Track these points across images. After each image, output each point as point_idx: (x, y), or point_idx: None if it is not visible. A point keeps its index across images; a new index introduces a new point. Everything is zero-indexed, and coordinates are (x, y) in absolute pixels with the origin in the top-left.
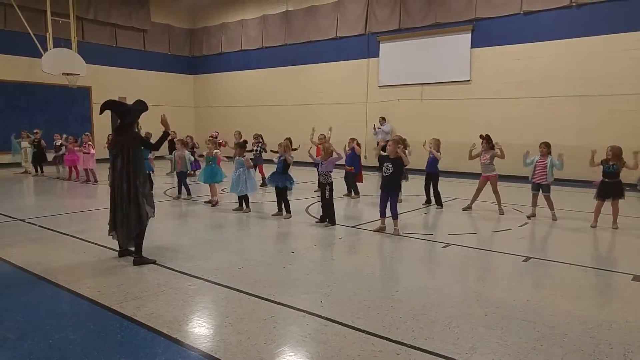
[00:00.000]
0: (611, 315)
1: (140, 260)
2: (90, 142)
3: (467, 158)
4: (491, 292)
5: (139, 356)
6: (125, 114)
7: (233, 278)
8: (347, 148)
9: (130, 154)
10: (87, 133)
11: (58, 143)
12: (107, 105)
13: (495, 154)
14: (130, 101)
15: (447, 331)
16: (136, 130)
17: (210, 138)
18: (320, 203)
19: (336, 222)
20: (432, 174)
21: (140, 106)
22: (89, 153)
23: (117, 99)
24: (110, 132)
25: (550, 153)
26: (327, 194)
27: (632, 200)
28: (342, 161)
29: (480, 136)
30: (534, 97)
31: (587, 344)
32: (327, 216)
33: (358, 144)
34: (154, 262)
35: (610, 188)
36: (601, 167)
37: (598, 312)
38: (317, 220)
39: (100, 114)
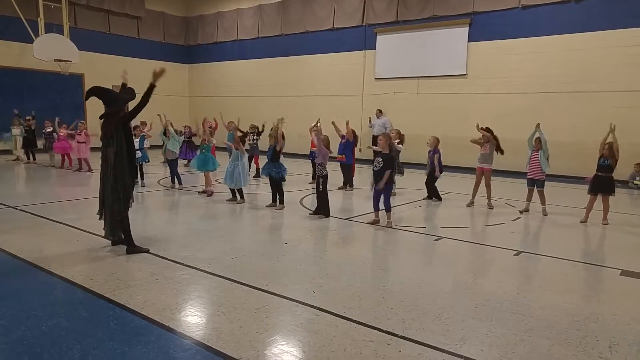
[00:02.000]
0: (598, 309)
1: (133, 250)
2: (85, 130)
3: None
4: (482, 285)
5: (131, 343)
6: (110, 102)
7: (226, 268)
8: (340, 133)
9: (116, 144)
10: (82, 121)
11: (49, 130)
12: (93, 91)
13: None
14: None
15: (438, 322)
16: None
17: (206, 127)
18: (314, 195)
19: (330, 215)
20: (434, 170)
21: (128, 94)
22: (84, 142)
23: (110, 87)
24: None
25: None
26: (321, 187)
27: (623, 196)
28: (335, 152)
29: (481, 129)
30: (530, 93)
31: (573, 336)
32: (322, 208)
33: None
34: (147, 251)
35: (602, 182)
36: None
37: (585, 306)
38: (311, 212)
39: (85, 100)
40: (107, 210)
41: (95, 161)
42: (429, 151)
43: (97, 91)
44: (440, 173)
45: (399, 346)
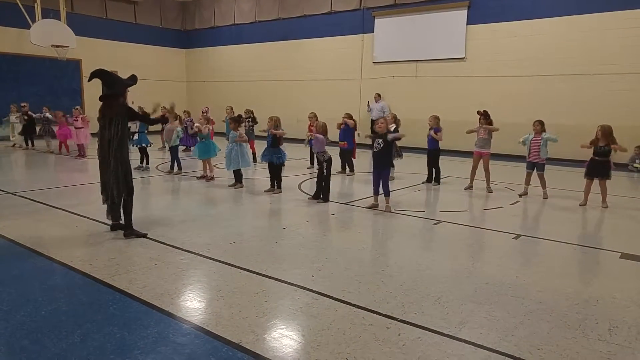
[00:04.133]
0: (598, 292)
1: (130, 233)
2: (81, 116)
3: (465, 132)
4: (481, 269)
5: (131, 328)
6: (111, 84)
7: (225, 252)
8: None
9: (117, 127)
10: (76, 107)
11: (45, 116)
12: (96, 73)
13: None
14: (123, 72)
15: (437, 306)
16: (124, 102)
17: (202, 115)
18: (312, 179)
19: (329, 199)
20: (434, 150)
21: (129, 80)
22: (82, 127)
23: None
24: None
25: (545, 130)
26: (325, 171)
27: (623, 179)
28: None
29: (478, 112)
30: (529, 75)
31: (573, 319)
32: (322, 192)
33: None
34: (145, 236)
35: (598, 166)
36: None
37: (585, 289)
38: (310, 196)
39: (88, 80)
40: (108, 194)
41: (92, 147)
42: (431, 129)
43: (100, 73)
44: (437, 182)
45: (398, 330)
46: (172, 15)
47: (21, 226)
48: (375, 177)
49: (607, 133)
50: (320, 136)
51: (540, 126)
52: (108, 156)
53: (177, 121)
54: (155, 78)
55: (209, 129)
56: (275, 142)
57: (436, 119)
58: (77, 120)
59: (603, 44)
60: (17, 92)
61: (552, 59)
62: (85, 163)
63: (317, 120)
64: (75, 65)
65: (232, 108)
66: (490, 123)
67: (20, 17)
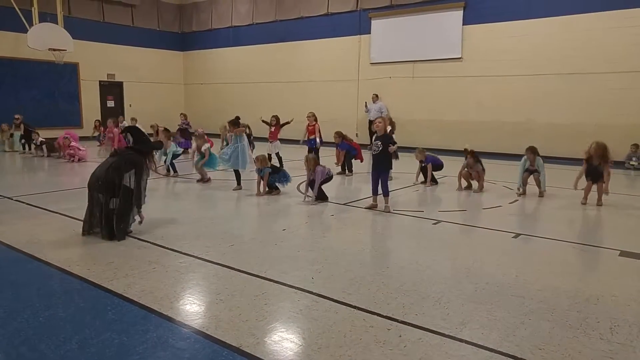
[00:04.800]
0: (598, 290)
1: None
2: (72, 145)
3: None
4: (481, 268)
5: (130, 333)
6: (140, 142)
7: (224, 255)
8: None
9: (141, 177)
10: (66, 137)
11: (38, 142)
12: (131, 128)
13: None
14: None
15: (438, 306)
16: (145, 166)
17: (197, 133)
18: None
19: (328, 200)
20: (437, 165)
21: (156, 145)
22: (83, 150)
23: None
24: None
25: (539, 154)
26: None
27: (620, 177)
28: None
29: (465, 150)
30: (526, 75)
31: (574, 318)
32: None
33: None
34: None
35: (596, 172)
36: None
37: (585, 287)
38: (313, 200)
39: (121, 132)
40: (110, 218)
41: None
42: (421, 162)
43: (133, 129)
44: (434, 182)
45: (399, 331)
46: (169, 17)
47: (18, 231)
48: (374, 178)
49: (600, 154)
50: (319, 169)
51: (532, 155)
52: (114, 194)
53: (170, 141)
54: (153, 81)
55: (207, 148)
56: (274, 168)
57: (422, 152)
58: (71, 150)
59: (599, 43)
60: (15, 97)
61: (548, 58)
62: (83, 166)
63: (315, 120)
64: (73, 69)
65: (225, 127)
66: (478, 160)
67: (17, 21)
